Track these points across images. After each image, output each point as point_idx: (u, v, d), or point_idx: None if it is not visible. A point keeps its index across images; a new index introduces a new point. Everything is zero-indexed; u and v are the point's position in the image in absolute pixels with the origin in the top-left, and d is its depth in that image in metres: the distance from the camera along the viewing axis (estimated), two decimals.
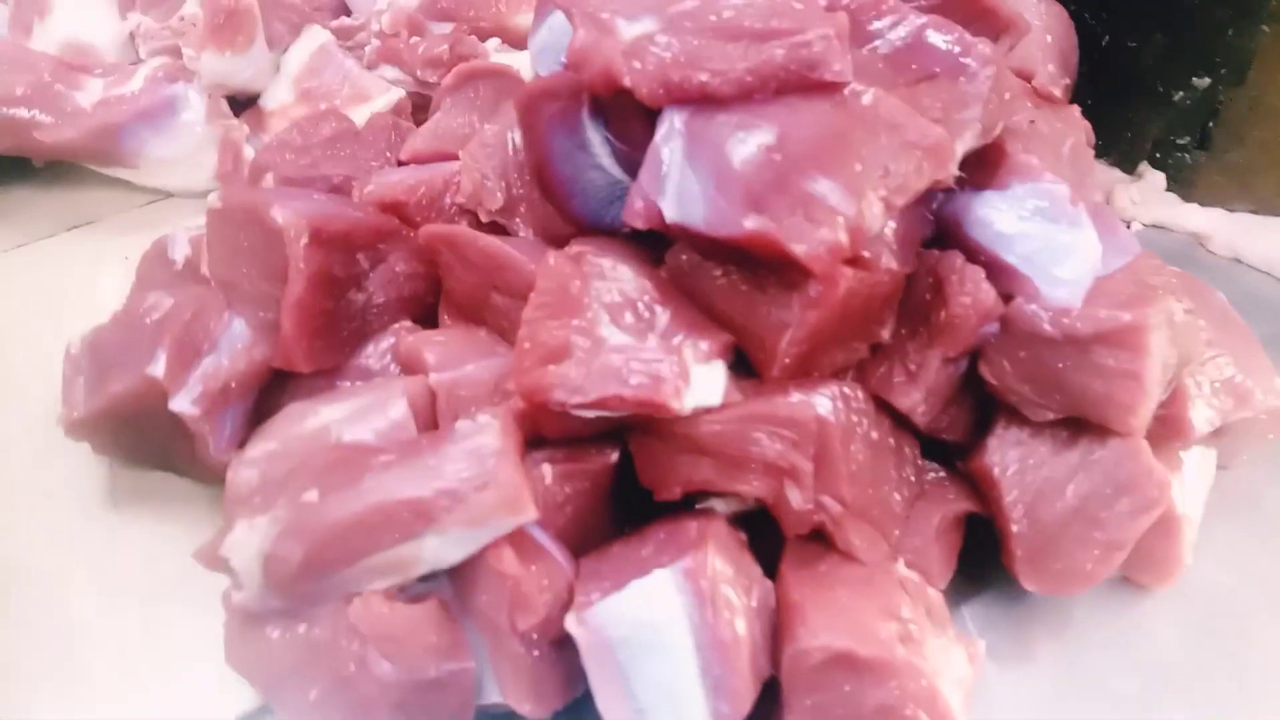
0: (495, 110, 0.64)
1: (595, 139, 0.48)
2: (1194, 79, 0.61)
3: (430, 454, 0.41)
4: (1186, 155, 0.64)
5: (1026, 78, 0.53)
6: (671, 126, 0.41)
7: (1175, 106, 0.62)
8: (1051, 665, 0.46)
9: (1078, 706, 0.44)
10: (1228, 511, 0.51)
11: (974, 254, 0.44)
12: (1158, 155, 0.66)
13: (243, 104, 0.71)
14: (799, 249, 0.39)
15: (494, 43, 0.73)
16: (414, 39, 0.73)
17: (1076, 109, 0.54)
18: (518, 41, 0.77)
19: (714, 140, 0.41)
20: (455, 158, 0.60)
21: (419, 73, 0.71)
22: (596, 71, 0.41)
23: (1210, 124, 0.62)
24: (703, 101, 0.41)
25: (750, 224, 0.39)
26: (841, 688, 0.39)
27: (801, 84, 0.41)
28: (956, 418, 0.46)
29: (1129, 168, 0.67)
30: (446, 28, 0.77)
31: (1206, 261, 0.64)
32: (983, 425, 0.46)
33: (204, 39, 0.64)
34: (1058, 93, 0.54)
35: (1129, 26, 0.61)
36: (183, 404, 0.45)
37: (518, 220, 0.54)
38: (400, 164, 0.63)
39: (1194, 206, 0.65)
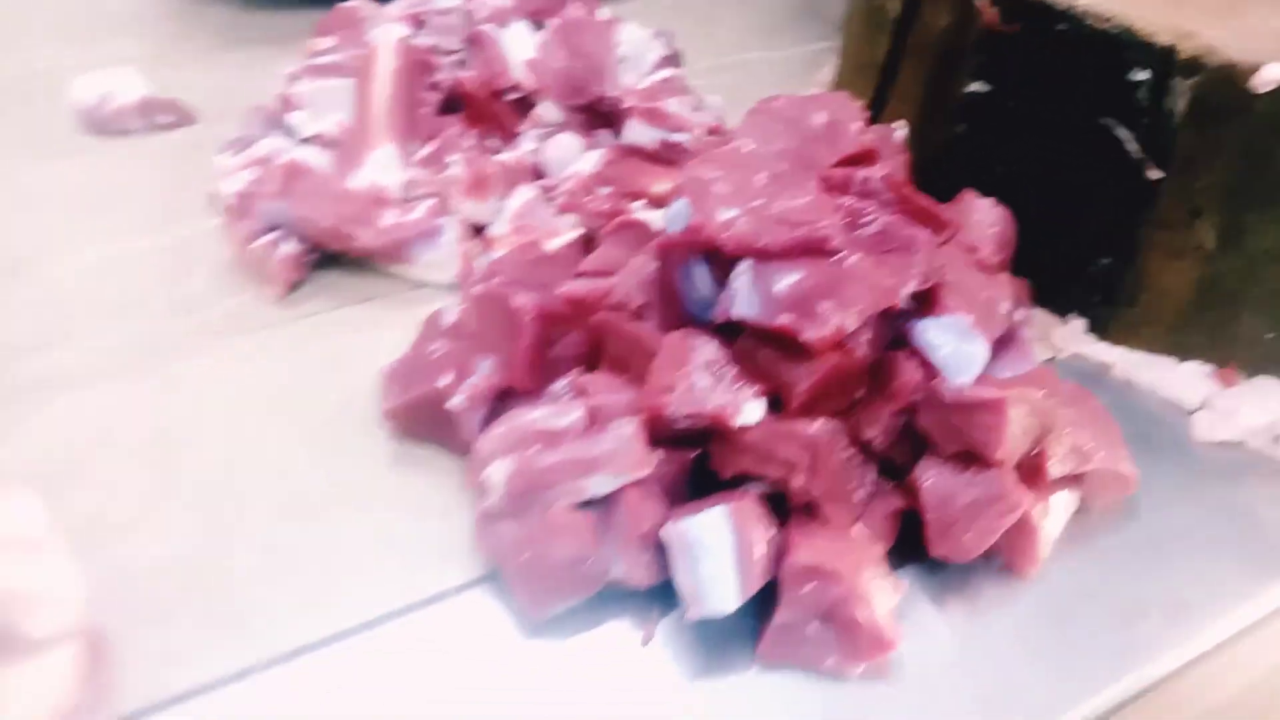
0: (639, 248, 1.00)
1: (700, 273, 0.81)
2: (1099, 260, 0.92)
3: (595, 437, 0.74)
4: (1099, 309, 0.95)
5: (972, 250, 0.85)
6: (743, 269, 0.75)
7: (1088, 276, 0.94)
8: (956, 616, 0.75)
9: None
10: (1083, 537, 0.80)
11: (916, 353, 0.76)
12: (1081, 307, 0.97)
13: (477, 229, 1.07)
14: (809, 337, 0.71)
15: (640, 204, 1.09)
16: (587, 198, 1.09)
17: (1005, 275, 0.86)
18: (656, 203, 1.13)
19: (766, 277, 0.74)
20: (613, 274, 0.95)
21: (590, 221, 1.06)
22: (703, 237, 0.76)
23: (1114, 289, 0.93)
24: (761, 256, 0.74)
25: (782, 320, 0.72)
26: (812, 584, 0.70)
27: (818, 251, 0.74)
28: (901, 449, 0.77)
29: (1061, 315, 0.98)
30: (607, 190, 1.13)
31: (1109, 383, 0.94)
32: (916, 455, 0.77)
33: (464, 193, 1.01)
34: (994, 263, 0.86)
35: (1049, 229, 0.93)
36: (456, 403, 0.80)
37: (647, 317, 0.88)
38: (578, 277, 0.98)
39: (1104, 345, 0.95)
